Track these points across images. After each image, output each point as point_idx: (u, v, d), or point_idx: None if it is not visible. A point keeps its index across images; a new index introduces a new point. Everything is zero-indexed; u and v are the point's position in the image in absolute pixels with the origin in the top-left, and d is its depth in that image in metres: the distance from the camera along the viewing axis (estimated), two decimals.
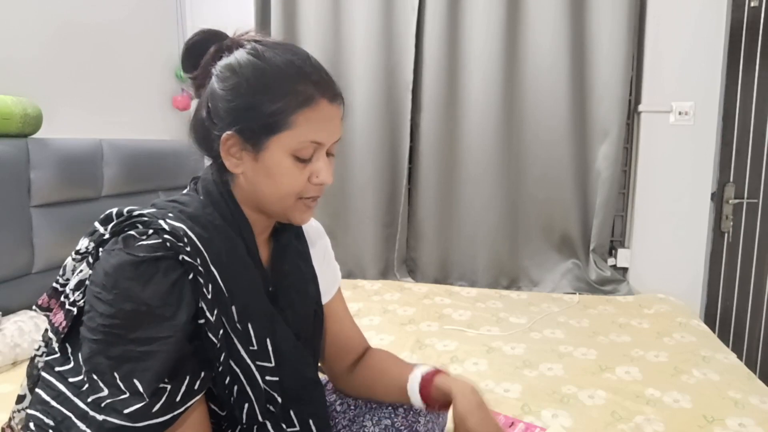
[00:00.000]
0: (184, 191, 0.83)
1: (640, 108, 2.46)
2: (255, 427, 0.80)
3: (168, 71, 2.76)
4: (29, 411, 0.75)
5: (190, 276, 0.70)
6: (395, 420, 0.90)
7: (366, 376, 0.99)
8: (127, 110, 2.54)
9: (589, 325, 2.03)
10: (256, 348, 0.77)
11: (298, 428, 0.83)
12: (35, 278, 1.84)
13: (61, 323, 0.74)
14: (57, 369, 0.74)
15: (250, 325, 0.77)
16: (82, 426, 0.69)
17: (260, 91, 0.74)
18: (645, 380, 1.56)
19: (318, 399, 0.89)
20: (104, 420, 0.65)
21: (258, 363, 0.78)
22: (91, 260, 0.74)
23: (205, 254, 0.72)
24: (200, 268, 0.71)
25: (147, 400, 0.65)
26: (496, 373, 1.61)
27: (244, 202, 0.80)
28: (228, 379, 0.76)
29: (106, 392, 0.66)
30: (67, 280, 0.78)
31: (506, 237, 2.61)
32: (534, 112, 2.52)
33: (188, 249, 0.70)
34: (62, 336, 0.73)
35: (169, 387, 0.67)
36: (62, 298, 0.76)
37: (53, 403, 0.72)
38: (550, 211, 2.57)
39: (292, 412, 0.83)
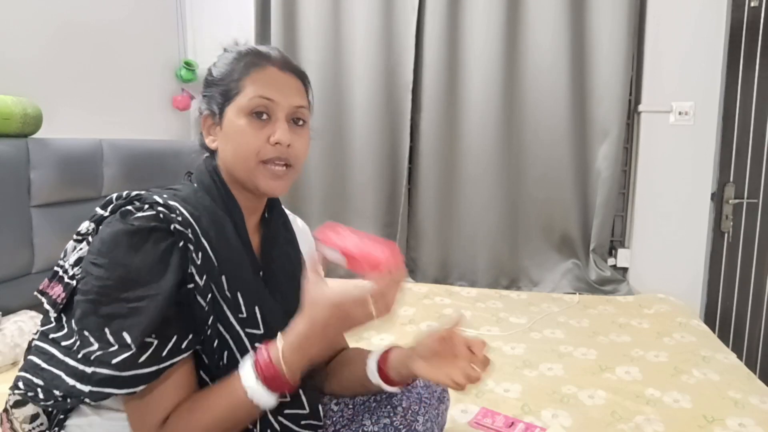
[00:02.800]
0: (178, 184, 0.90)
1: (640, 108, 2.46)
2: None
3: (168, 71, 2.76)
4: (19, 374, 0.79)
5: (180, 244, 0.75)
6: (394, 419, 0.90)
7: (335, 370, 1.01)
8: (127, 110, 2.53)
9: (589, 325, 2.03)
10: (245, 315, 0.81)
11: (288, 398, 0.84)
12: (35, 278, 1.83)
13: (59, 295, 0.79)
14: (51, 336, 0.79)
15: (239, 294, 0.81)
16: (71, 381, 0.72)
17: (222, 71, 0.86)
18: (645, 380, 1.56)
19: (307, 371, 0.89)
20: (93, 372, 0.70)
21: (247, 330, 0.81)
22: (90, 239, 0.81)
23: (196, 228, 0.78)
24: (191, 236, 0.76)
25: (134, 350, 0.70)
26: (496, 373, 1.60)
27: (229, 182, 0.87)
28: (216, 343, 0.79)
29: (96, 346, 0.71)
30: (66, 260, 0.83)
31: (506, 237, 2.61)
32: (534, 112, 2.52)
33: (179, 219, 0.76)
34: (60, 307, 0.78)
35: (155, 342, 0.72)
36: (61, 272, 0.82)
37: (44, 365, 0.77)
38: (550, 211, 2.57)
39: None
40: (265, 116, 0.83)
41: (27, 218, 1.80)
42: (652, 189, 2.49)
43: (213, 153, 0.89)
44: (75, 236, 0.83)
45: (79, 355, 0.72)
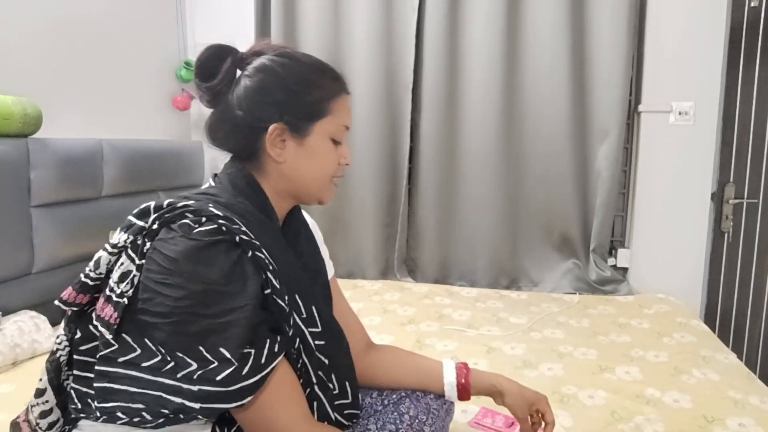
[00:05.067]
0: (205, 186, 0.89)
1: (640, 108, 2.46)
2: (307, 390, 0.84)
3: (168, 71, 2.76)
4: (101, 405, 0.77)
5: (249, 254, 0.76)
6: (400, 427, 0.90)
7: (386, 363, 1.07)
8: (127, 110, 2.53)
9: (589, 325, 2.03)
10: (305, 315, 0.84)
11: (337, 390, 0.88)
12: (35, 278, 1.84)
13: (111, 315, 0.76)
14: (121, 359, 0.76)
15: (297, 296, 0.83)
16: (178, 399, 0.73)
17: (302, 84, 0.85)
18: (645, 380, 1.56)
19: (350, 359, 0.95)
20: (199, 390, 0.70)
21: (309, 329, 0.84)
22: (131, 253, 0.76)
23: (252, 236, 0.78)
24: (256, 242, 0.77)
25: (236, 364, 0.70)
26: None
27: (271, 189, 0.88)
28: (297, 342, 0.82)
29: (195, 366, 0.70)
30: (101, 274, 0.80)
31: (506, 237, 2.61)
32: (534, 111, 2.52)
33: (243, 230, 0.77)
34: (115, 328, 0.76)
35: (253, 351, 0.72)
36: (107, 292, 0.77)
37: (133, 389, 0.76)
38: (550, 211, 2.57)
39: (333, 376, 0.88)
40: (340, 140, 0.90)
41: (27, 218, 1.80)
42: (652, 189, 2.49)
43: (249, 158, 0.87)
44: (110, 248, 0.79)
45: (179, 375, 0.72)
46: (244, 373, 0.71)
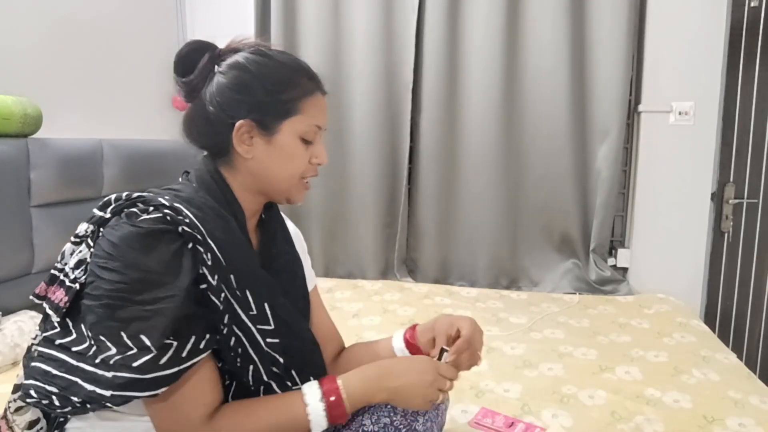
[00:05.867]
0: (176, 184, 0.90)
1: (640, 108, 2.46)
2: (261, 387, 0.85)
3: (168, 71, 2.72)
4: (26, 382, 0.77)
5: (190, 246, 0.76)
6: (394, 419, 0.90)
7: (349, 360, 1.07)
8: (127, 110, 2.53)
9: (589, 325, 2.03)
10: (255, 312, 0.83)
11: (300, 386, 0.87)
12: (35, 278, 1.83)
13: (61, 299, 0.77)
14: (58, 342, 0.77)
15: (248, 292, 0.82)
16: (90, 386, 0.71)
17: (273, 82, 0.85)
18: (645, 380, 1.56)
19: (318, 357, 0.95)
20: (114, 376, 0.70)
21: (258, 326, 0.83)
22: (90, 241, 0.78)
23: (202, 229, 0.78)
24: (198, 237, 0.77)
25: (155, 352, 0.70)
26: (496, 373, 1.61)
27: (240, 185, 0.88)
28: (233, 341, 0.80)
29: (114, 350, 0.70)
30: (65, 264, 0.81)
31: (506, 237, 2.61)
32: (534, 111, 2.52)
33: (187, 221, 0.77)
34: (63, 311, 0.77)
35: (175, 343, 0.72)
36: (62, 277, 0.80)
37: (55, 372, 0.75)
38: (550, 211, 2.57)
39: (294, 372, 0.88)
40: (312, 140, 0.89)
41: (27, 218, 1.80)
42: (652, 189, 2.49)
43: (220, 154, 0.88)
44: (73, 239, 0.82)
45: (97, 360, 0.71)
46: (161, 362, 0.70)
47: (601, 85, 2.43)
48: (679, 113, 2.40)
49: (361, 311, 2.16)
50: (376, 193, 2.69)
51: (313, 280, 1.10)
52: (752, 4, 2.34)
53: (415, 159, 2.68)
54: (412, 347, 1.02)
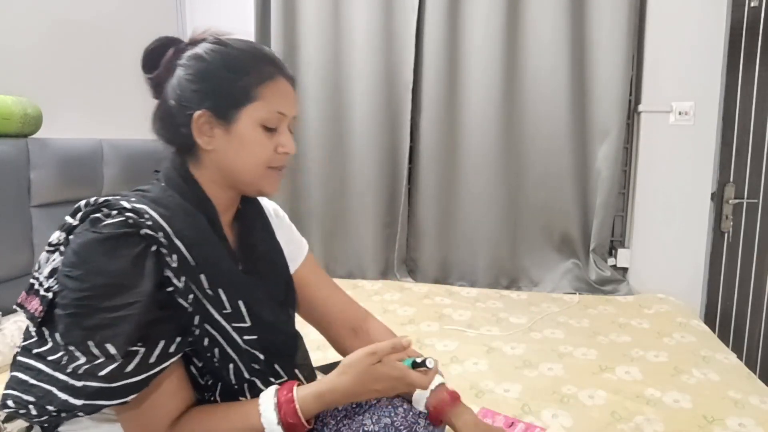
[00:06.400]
0: (146, 184, 0.88)
1: (640, 108, 2.46)
2: (245, 385, 0.84)
3: None
4: (5, 391, 0.77)
5: (153, 248, 0.75)
6: (395, 419, 0.90)
7: (374, 335, 1.07)
8: (127, 110, 2.53)
9: (589, 325, 2.03)
10: (230, 311, 0.82)
11: (286, 379, 0.88)
12: None
13: (37, 308, 0.77)
14: (34, 351, 0.77)
15: (220, 291, 0.81)
16: (63, 396, 0.71)
17: (229, 70, 0.83)
18: (645, 380, 1.56)
19: (301, 349, 0.95)
20: (83, 385, 0.70)
21: (234, 325, 0.82)
22: (63, 249, 0.78)
23: (168, 229, 0.77)
24: (162, 239, 0.76)
25: (121, 360, 0.70)
26: (496, 373, 1.61)
27: (208, 180, 0.86)
28: (207, 342, 0.80)
29: (83, 360, 0.70)
30: (41, 273, 0.81)
31: (506, 237, 2.61)
32: (534, 111, 2.52)
33: (149, 224, 0.75)
34: (39, 320, 0.76)
35: (142, 350, 0.72)
36: (36, 286, 0.79)
37: (33, 381, 0.75)
38: (550, 210, 2.57)
39: (277, 366, 0.88)
40: (275, 127, 0.86)
41: (27, 218, 1.80)
42: (652, 189, 2.49)
43: (186, 150, 0.86)
44: (47, 247, 0.81)
45: (68, 370, 0.71)
46: (127, 370, 0.70)
47: (601, 85, 2.43)
48: (679, 113, 2.40)
49: None
50: (376, 193, 2.69)
51: (303, 249, 1.08)
52: (752, 4, 2.34)
53: (415, 159, 2.68)
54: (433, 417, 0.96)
